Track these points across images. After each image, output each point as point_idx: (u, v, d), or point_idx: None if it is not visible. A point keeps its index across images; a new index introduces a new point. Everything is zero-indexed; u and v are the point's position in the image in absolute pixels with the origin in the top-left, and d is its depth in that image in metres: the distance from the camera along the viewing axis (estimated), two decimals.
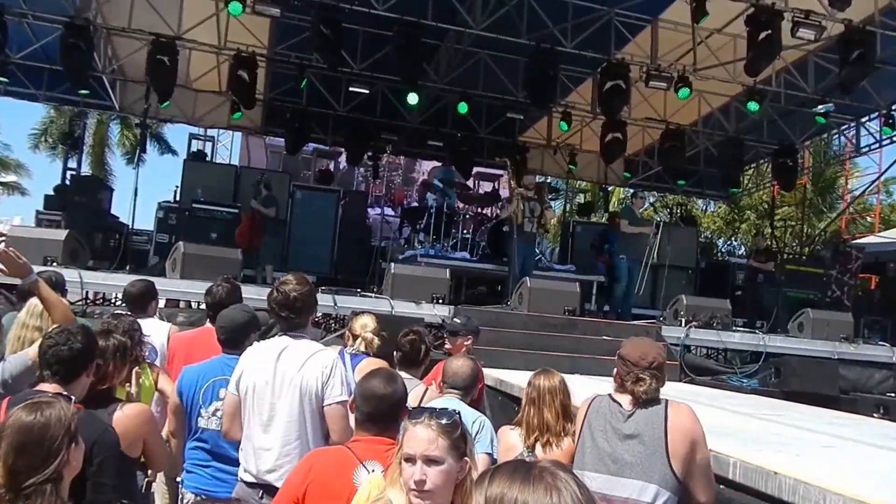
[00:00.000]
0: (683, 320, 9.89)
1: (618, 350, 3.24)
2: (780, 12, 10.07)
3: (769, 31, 10.00)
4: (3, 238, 3.71)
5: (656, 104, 14.05)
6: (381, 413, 2.64)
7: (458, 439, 2.11)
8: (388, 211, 16.26)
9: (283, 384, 3.22)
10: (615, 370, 3.21)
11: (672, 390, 3.27)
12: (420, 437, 2.08)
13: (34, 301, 3.86)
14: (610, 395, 3.20)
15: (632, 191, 15.09)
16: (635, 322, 10.13)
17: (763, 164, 17.20)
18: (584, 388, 4.10)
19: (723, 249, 25.85)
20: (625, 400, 3.11)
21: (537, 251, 11.81)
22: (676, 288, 12.47)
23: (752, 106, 12.43)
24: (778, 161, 14.43)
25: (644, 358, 3.11)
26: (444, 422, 2.10)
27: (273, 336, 3.50)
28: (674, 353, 8.70)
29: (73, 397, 2.47)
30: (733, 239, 26.45)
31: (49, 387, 2.79)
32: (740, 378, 9.10)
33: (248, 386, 3.28)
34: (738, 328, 10.65)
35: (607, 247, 12.80)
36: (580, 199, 25.18)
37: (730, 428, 4.46)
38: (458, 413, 2.18)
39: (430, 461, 2.05)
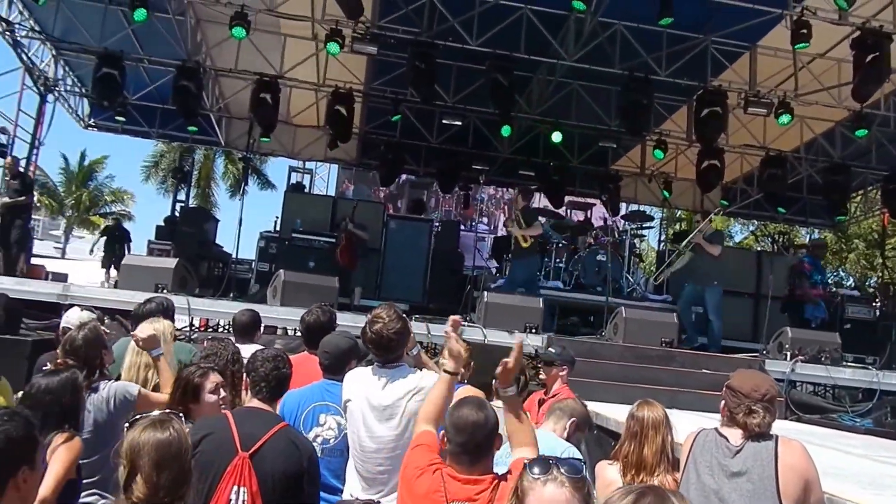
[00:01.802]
0: (788, 354, 9.45)
1: (727, 382, 3.13)
2: (889, 35, 9.65)
3: (877, 54, 9.59)
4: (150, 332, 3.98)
5: (755, 130, 13.63)
6: (476, 443, 2.56)
7: (588, 495, 1.91)
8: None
9: (391, 410, 3.27)
10: (722, 403, 3.11)
11: (777, 428, 3.13)
12: (553, 499, 1.85)
13: (142, 326, 4.10)
14: (716, 429, 3.10)
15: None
16: (737, 355, 9.75)
17: (872, 191, 16.35)
18: (685, 424, 3.99)
19: (829, 280, 24.64)
20: (733, 434, 3.01)
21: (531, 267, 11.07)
22: (780, 320, 11.92)
23: (860, 132, 11.90)
24: (889, 187, 13.68)
25: (757, 390, 3.01)
26: (575, 476, 1.88)
27: (370, 363, 3.56)
28: (778, 389, 8.32)
29: (182, 416, 2.64)
30: (840, 269, 25.19)
31: (261, 405, 3.13)
32: (853, 417, 8.59)
33: (355, 411, 3.34)
34: (850, 363, 10.05)
35: (819, 278, 11.83)
36: (676, 227, 24.59)
37: (845, 469, 4.24)
38: (584, 463, 2.06)
39: None
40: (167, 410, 2.60)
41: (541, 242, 10.81)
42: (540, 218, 10.68)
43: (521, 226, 10.41)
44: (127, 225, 30.34)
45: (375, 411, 3.30)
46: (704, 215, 11.87)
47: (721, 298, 10.54)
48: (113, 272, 14.86)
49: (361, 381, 3.40)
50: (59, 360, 3.52)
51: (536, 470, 1.89)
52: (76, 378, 3.10)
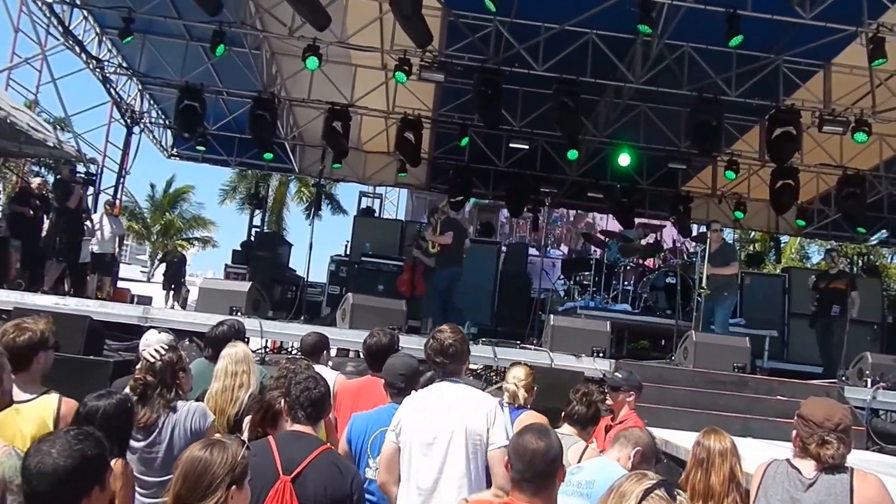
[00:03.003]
0: (869, 381, 9.07)
1: (797, 410, 3.04)
2: None
3: None
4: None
5: (831, 149, 13.28)
6: (537, 472, 2.54)
7: None
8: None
9: (449, 426, 3.29)
10: (794, 432, 3.03)
11: (858, 459, 3.03)
12: None
13: (228, 351, 4.26)
14: (788, 460, 3.02)
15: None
16: (813, 381, 9.44)
17: None
18: (758, 452, 3.90)
19: None
20: (805, 466, 2.93)
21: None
22: (860, 345, 11.43)
23: None
24: None
25: (829, 419, 2.91)
26: (672, 492, 1.84)
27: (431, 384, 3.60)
28: (859, 418, 8.00)
29: (246, 442, 2.64)
30: None
31: (302, 428, 3.10)
32: None
33: (413, 431, 3.35)
34: None
35: None
36: (750, 248, 23.98)
37: None
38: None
39: None
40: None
41: (454, 256, 10.57)
42: (449, 232, 10.52)
43: (435, 232, 10.65)
44: (209, 251, 31.68)
45: (433, 430, 3.32)
46: (700, 238, 11.56)
47: (729, 311, 10.31)
48: (170, 293, 15.71)
49: (420, 403, 3.46)
50: (139, 378, 3.62)
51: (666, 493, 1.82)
52: (129, 401, 3.13)
